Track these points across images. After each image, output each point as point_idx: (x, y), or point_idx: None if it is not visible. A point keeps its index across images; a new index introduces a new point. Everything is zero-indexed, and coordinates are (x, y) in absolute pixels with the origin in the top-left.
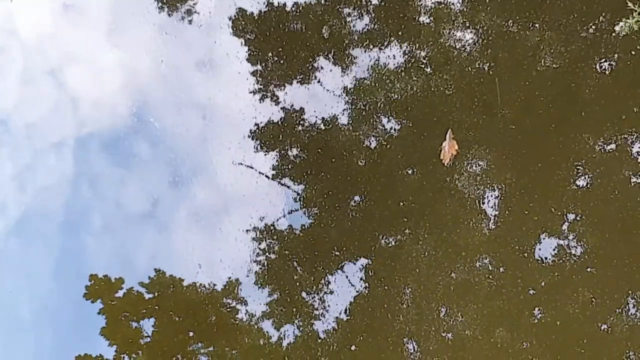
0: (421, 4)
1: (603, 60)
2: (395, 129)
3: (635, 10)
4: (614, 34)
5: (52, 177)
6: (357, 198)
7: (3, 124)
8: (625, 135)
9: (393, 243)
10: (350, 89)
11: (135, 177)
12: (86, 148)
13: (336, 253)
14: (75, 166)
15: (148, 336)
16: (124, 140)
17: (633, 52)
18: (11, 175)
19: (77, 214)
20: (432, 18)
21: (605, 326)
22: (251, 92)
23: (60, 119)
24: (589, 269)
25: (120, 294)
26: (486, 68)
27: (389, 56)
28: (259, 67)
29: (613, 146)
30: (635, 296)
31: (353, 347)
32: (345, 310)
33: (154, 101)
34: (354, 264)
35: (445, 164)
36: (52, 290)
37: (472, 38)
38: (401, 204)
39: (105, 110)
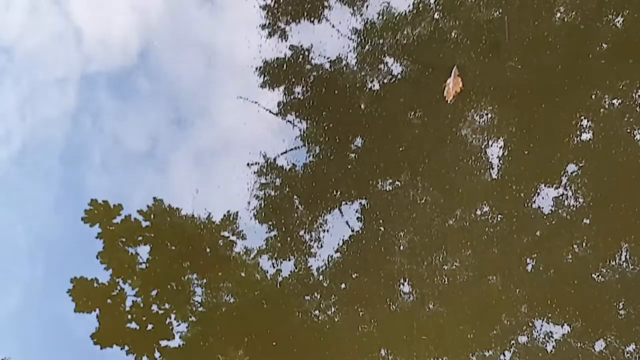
0: None
1: (618, 15)
2: (400, 72)
3: None
4: None
5: (55, 109)
6: (359, 139)
7: (7, 53)
8: (632, 93)
9: (392, 186)
10: (359, 29)
11: (138, 109)
12: (90, 82)
13: (335, 193)
14: (79, 99)
15: (144, 263)
16: (129, 73)
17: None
18: (15, 105)
19: (80, 146)
20: None
21: (598, 276)
22: (259, 27)
23: (65, 51)
24: (584, 221)
25: (118, 220)
26: (496, 13)
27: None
28: (269, 1)
29: (619, 102)
30: (628, 248)
31: (344, 285)
32: (340, 249)
33: (160, 35)
34: (352, 204)
35: (449, 102)
36: (52, 215)
37: None
38: (402, 147)
39: (110, 44)
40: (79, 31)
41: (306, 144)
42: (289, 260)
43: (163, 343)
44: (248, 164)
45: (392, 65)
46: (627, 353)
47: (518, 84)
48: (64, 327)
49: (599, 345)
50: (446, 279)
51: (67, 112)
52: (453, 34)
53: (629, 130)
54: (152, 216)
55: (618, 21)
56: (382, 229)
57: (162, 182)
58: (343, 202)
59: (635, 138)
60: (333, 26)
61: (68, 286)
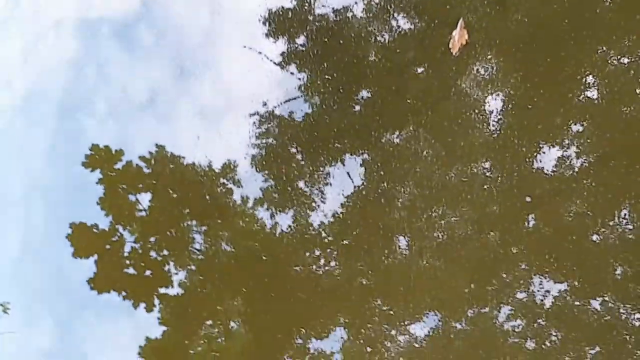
0: None
1: None
2: (406, 23)
3: None
4: None
5: (58, 57)
6: (362, 92)
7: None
8: (637, 53)
9: (394, 140)
10: None
11: (142, 58)
12: (93, 30)
13: (337, 145)
14: (82, 48)
15: (144, 209)
16: (134, 21)
17: None
18: (18, 52)
19: (82, 94)
20: None
21: (597, 234)
22: None
23: None
24: (585, 179)
25: (119, 166)
26: None
27: None
28: None
29: (625, 59)
30: (628, 207)
31: (344, 239)
32: (341, 203)
33: None
34: (354, 157)
35: (454, 54)
36: (53, 161)
37: None
38: (406, 99)
39: None
40: None
41: (308, 94)
42: (288, 212)
43: (161, 290)
44: (250, 114)
45: (397, 17)
46: (622, 311)
47: (524, 38)
48: (62, 272)
49: (595, 303)
50: (445, 233)
51: (70, 60)
52: None
53: (634, 88)
54: (153, 163)
55: None
56: (383, 182)
57: (164, 130)
58: (344, 155)
59: (639, 99)
60: None
61: (67, 231)
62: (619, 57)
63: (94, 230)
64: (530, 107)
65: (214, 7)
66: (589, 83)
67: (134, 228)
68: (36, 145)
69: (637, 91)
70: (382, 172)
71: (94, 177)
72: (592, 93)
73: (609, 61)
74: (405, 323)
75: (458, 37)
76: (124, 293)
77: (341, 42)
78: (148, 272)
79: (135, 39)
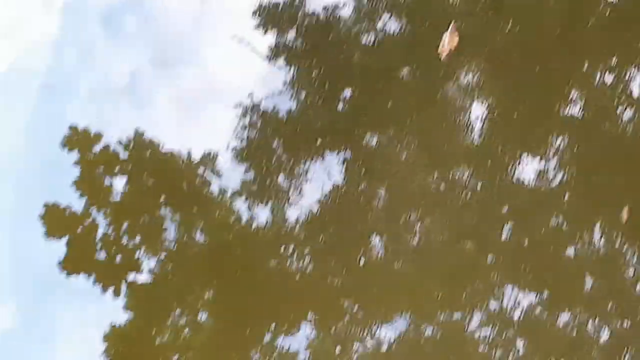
0: None
1: None
2: (396, 25)
3: None
4: None
5: (41, 37)
6: (348, 90)
7: None
8: (626, 70)
9: (377, 140)
10: None
11: (128, 43)
12: (80, 13)
13: (319, 141)
14: (67, 30)
15: (119, 194)
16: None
17: None
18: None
19: (65, 74)
20: None
21: (571, 249)
22: None
23: None
24: (564, 194)
25: (97, 149)
26: None
27: None
28: None
29: (613, 75)
30: (603, 226)
31: (319, 237)
32: (320, 200)
33: None
34: (334, 156)
35: (443, 57)
36: (30, 140)
37: None
38: (391, 101)
39: None
40: None
41: (294, 89)
42: (265, 206)
43: (131, 277)
44: (234, 105)
45: (388, 17)
46: (591, 327)
47: (513, 46)
48: (32, 251)
49: (565, 317)
50: (422, 237)
51: (53, 41)
52: None
53: (618, 107)
54: (132, 148)
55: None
56: (363, 182)
57: (145, 116)
58: (326, 152)
59: (624, 116)
60: None
61: (40, 211)
62: (605, 73)
63: (67, 212)
64: (515, 116)
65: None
66: (574, 97)
67: (107, 212)
68: (14, 123)
69: (619, 109)
70: (362, 172)
71: (71, 158)
72: (577, 107)
73: (596, 77)
74: (376, 324)
75: (448, 41)
76: (93, 276)
77: (330, 39)
78: (119, 258)
79: (120, 23)
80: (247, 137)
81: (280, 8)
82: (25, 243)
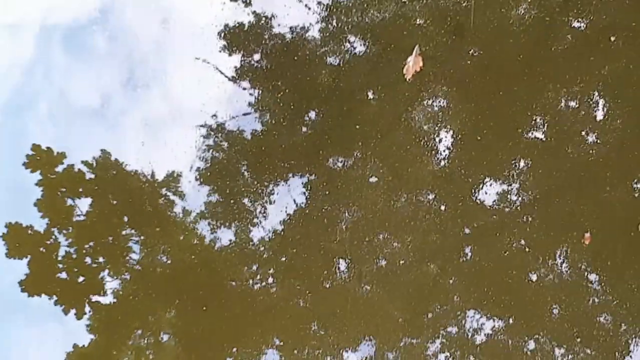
0: None
1: (583, 12)
2: (362, 48)
3: None
4: None
5: (5, 56)
6: (312, 114)
7: None
8: (589, 95)
9: (340, 164)
10: (324, 3)
11: (93, 64)
12: (46, 34)
13: (284, 163)
14: (32, 50)
15: (82, 215)
16: (86, 28)
17: (605, 17)
18: None
19: (29, 94)
20: None
21: (534, 274)
22: None
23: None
24: (526, 217)
25: (60, 168)
26: (463, 2)
27: None
28: None
29: (575, 103)
30: (567, 250)
31: (283, 258)
32: (283, 222)
33: None
34: (299, 178)
35: (408, 80)
36: None
37: None
38: (356, 123)
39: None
40: None
41: (259, 111)
42: (230, 227)
43: (94, 298)
44: (198, 126)
45: (354, 41)
46: (557, 355)
47: (477, 69)
48: None
49: (530, 344)
50: (385, 259)
51: (17, 61)
52: (418, 14)
53: (581, 131)
54: (96, 168)
55: (582, 17)
56: (327, 204)
57: (109, 136)
58: (290, 174)
59: (587, 140)
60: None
61: (2, 230)
62: (568, 98)
63: (29, 231)
64: (479, 138)
65: (169, 17)
66: (538, 120)
67: (70, 232)
68: None
69: (583, 133)
70: (326, 193)
71: (33, 178)
72: (541, 130)
73: (559, 101)
74: (340, 348)
75: (413, 64)
76: (55, 297)
77: (296, 60)
78: (81, 278)
79: (86, 44)
80: (212, 158)
81: (245, 29)
82: None
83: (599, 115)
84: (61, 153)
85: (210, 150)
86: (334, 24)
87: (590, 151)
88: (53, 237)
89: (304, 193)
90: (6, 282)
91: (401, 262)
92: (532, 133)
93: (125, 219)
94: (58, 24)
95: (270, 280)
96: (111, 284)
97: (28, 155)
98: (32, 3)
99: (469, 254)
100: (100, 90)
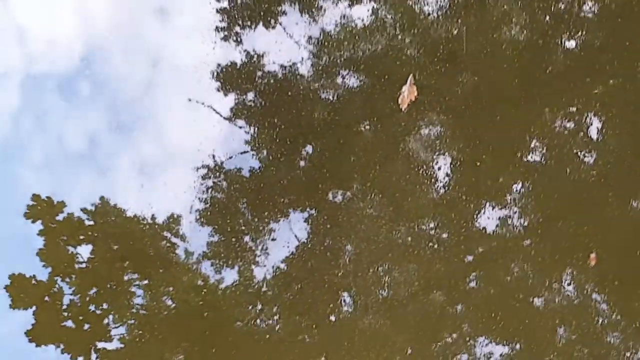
0: None
1: (577, 33)
2: (355, 80)
3: None
4: (581, 14)
5: None
6: (309, 148)
7: None
8: (586, 115)
9: (340, 197)
10: (314, 38)
11: (85, 109)
12: (36, 84)
13: (283, 200)
14: (20, 98)
15: (84, 262)
16: (77, 76)
17: (598, 37)
18: None
19: (21, 145)
20: None
21: (540, 298)
22: (214, 31)
23: (7, 49)
24: (529, 241)
25: (60, 217)
26: (454, 25)
27: (357, 15)
28: (224, 4)
29: (573, 124)
30: (572, 272)
31: (288, 295)
32: (286, 259)
33: (113, 38)
34: (299, 213)
35: (403, 110)
36: None
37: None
38: (354, 156)
39: (56, 45)
40: (22, 30)
41: (256, 149)
42: (233, 268)
43: (100, 345)
44: (196, 167)
45: (347, 74)
46: None
47: (473, 95)
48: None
49: None
50: (390, 291)
51: (6, 110)
52: (410, 44)
53: (580, 152)
54: (95, 215)
55: (575, 38)
56: (328, 238)
57: (107, 182)
58: (291, 210)
59: (586, 160)
60: (289, 35)
61: (5, 282)
62: (565, 119)
63: (33, 281)
64: (478, 164)
65: (162, 60)
66: (536, 143)
67: (73, 280)
68: None
69: (582, 154)
70: (328, 227)
71: (33, 228)
72: (540, 153)
73: (557, 122)
74: None
75: (407, 93)
76: (62, 346)
77: (290, 95)
78: (87, 326)
79: (78, 89)
80: (211, 198)
81: (237, 68)
82: None
83: (597, 135)
84: (61, 202)
85: (210, 190)
86: (326, 58)
87: (591, 172)
88: (57, 286)
89: (305, 228)
90: (12, 333)
91: (406, 291)
92: (531, 156)
93: (127, 263)
94: (48, 72)
95: (276, 317)
96: (117, 329)
97: (28, 205)
98: (19, 54)
99: (474, 280)
100: (96, 135)
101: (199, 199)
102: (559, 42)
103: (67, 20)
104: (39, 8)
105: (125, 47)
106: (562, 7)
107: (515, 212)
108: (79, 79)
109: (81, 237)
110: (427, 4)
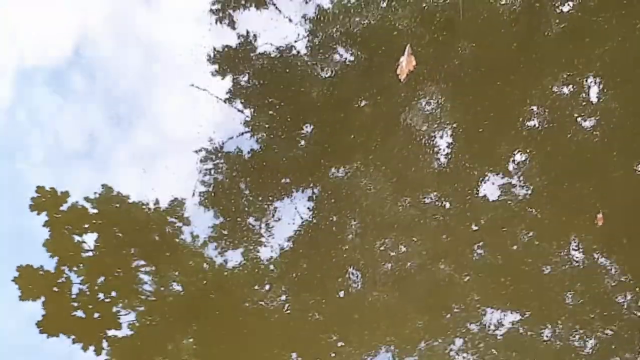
0: None
1: (568, 1)
2: (353, 53)
3: None
4: None
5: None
6: (309, 127)
7: None
8: (586, 77)
9: (342, 174)
10: (309, 16)
11: (87, 99)
12: (36, 78)
13: (285, 180)
14: (19, 94)
15: (90, 250)
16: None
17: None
18: None
19: (22, 139)
20: None
21: (546, 264)
22: (208, 13)
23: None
24: (533, 207)
25: (65, 207)
26: None
27: None
28: None
29: (573, 87)
30: (576, 237)
31: (294, 274)
32: (291, 237)
33: (112, 28)
34: (302, 192)
35: (402, 80)
36: None
37: None
38: (354, 130)
39: (49, 42)
40: (15, 27)
41: (255, 129)
42: (238, 248)
43: (110, 332)
44: (196, 150)
45: (343, 49)
46: (575, 337)
47: (471, 62)
48: (9, 315)
49: (548, 332)
50: (397, 263)
51: (5, 106)
52: (406, 13)
53: (582, 113)
54: (99, 203)
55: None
56: (333, 215)
57: (109, 170)
58: (293, 188)
59: (589, 122)
60: (283, 13)
61: (14, 274)
62: (566, 81)
63: (40, 272)
64: (480, 131)
65: (157, 45)
66: (537, 107)
67: (80, 269)
68: None
69: (584, 116)
70: (332, 202)
71: (38, 219)
72: (541, 117)
73: (557, 86)
74: (361, 356)
75: (406, 64)
76: (73, 336)
77: (287, 73)
78: (96, 315)
79: (73, 81)
80: (213, 181)
81: (233, 51)
82: (3, 307)
83: (599, 96)
84: (65, 192)
85: (212, 173)
86: (321, 34)
87: (594, 133)
88: (64, 275)
89: (309, 205)
90: (23, 324)
91: (414, 263)
92: (532, 121)
93: (133, 250)
94: (40, 65)
95: (284, 296)
96: (126, 316)
97: (33, 197)
98: (15, 51)
99: (481, 248)
100: (94, 125)
101: (202, 181)
102: (556, 4)
103: (60, 14)
104: (32, 4)
105: (119, 34)
106: None
107: (519, 178)
108: (74, 71)
109: (86, 226)
110: None
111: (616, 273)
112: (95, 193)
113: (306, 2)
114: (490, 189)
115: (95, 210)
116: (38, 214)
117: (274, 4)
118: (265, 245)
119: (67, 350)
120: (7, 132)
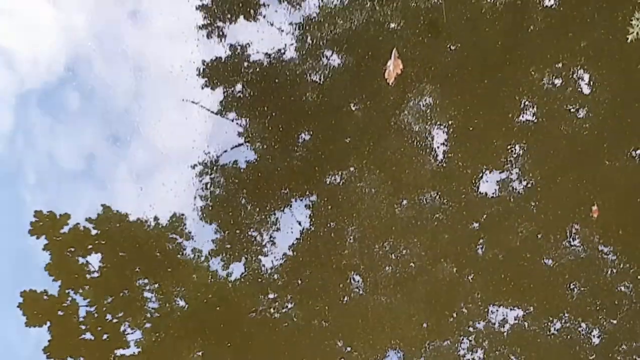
0: None
1: None
2: (340, 61)
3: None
4: None
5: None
6: (303, 134)
7: None
8: (573, 70)
9: (338, 179)
10: (296, 24)
11: (81, 119)
12: (31, 103)
13: (282, 189)
14: (13, 119)
15: (95, 271)
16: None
17: None
18: None
19: (18, 163)
20: None
21: (548, 257)
22: (196, 28)
23: None
24: (529, 202)
25: (65, 229)
26: None
27: None
28: (205, 1)
29: (561, 80)
30: (577, 229)
31: (298, 282)
32: (292, 246)
33: (101, 48)
34: (300, 200)
35: (390, 84)
36: None
37: None
38: (347, 135)
39: (42, 65)
40: (8, 52)
41: (250, 139)
42: (240, 260)
43: (119, 352)
44: (192, 165)
45: (332, 55)
46: (581, 328)
47: (458, 62)
48: (15, 341)
49: (555, 325)
50: (398, 265)
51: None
52: (390, 18)
53: (571, 107)
54: (100, 223)
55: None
56: (331, 221)
57: (108, 190)
58: (291, 197)
59: (578, 114)
60: (270, 23)
61: (18, 300)
62: (553, 76)
63: (45, 296)
64: (471, 129)
65: (147, 64)
66: (527, 103)
67: (85, 291)
68: None
69: (573, 109)
70: (329, 209)
71: (39, 243)
72: (531, 112)
73: (545, 80)
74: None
75: (393, 67)
76: (81, 359)
77: (277, 83)
78: (105, 336)
79: (66, 104)
80: (211, 195)
81: (223, 63)
82: (9, 333)
83: (587, 88)
84: (64, 214)
85: (209, 187)
86: (309, 41)
87: (584, 125)
88: (69, 298)
89: (307, 213)
90: (29, 350)
91: (415, 264)
92: (522, 116)
93: (138, 269)
94: (34, 89)
95: (289, 305)
96: (133, 335)
97: (31, 222)
98: (7, 76)
99: (481, 246)
100: (90, 147)
101: (200, 196)
102: (538, 0)
103: (49, 38)
104: (22, 30)
105: (109, 55)
106: None
107: (514, 174)
108: (66, 94)
109: (89, 247)
110: None
111: (615, 263)
112: (95, 213)
113: (292, 11)
114: (486, 185)
115: (97, 231)
116: (37, 238)
117: (262, 15)
118: (266, 255)
119: None
120: (4, 156)
